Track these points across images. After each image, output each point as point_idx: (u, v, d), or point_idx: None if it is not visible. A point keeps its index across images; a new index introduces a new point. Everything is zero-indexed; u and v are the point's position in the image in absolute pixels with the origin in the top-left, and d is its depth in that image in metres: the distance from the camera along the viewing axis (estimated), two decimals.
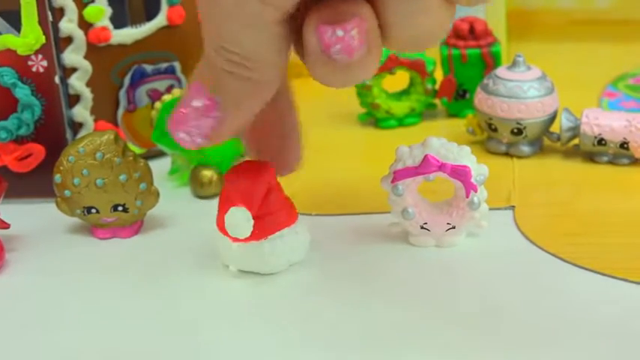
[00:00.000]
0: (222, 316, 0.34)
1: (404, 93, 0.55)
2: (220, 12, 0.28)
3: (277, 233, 0.35)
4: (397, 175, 0.37)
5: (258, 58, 0.29)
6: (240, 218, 0.35)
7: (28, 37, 0.44)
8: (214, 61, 0.29)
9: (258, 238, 0.35)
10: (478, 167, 0.37)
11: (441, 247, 0.39)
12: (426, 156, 0.36)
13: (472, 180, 0.37)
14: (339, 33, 0.27)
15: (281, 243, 0.35)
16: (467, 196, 0.37)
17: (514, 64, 0.48)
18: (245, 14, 0.28)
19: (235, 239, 0.35)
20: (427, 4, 0.27)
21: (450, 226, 0.38)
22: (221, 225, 0.35)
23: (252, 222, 0.34)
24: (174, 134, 0.31)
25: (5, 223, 0.40)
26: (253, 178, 0.35)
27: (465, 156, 0.37)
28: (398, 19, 0.28)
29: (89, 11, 0.47)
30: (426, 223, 0.38)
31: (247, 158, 0.47)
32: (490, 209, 0.39)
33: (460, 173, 0.36)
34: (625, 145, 0.46)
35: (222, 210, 0.36)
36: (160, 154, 0.51)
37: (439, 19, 0.28)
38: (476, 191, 0.37)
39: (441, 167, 0.36)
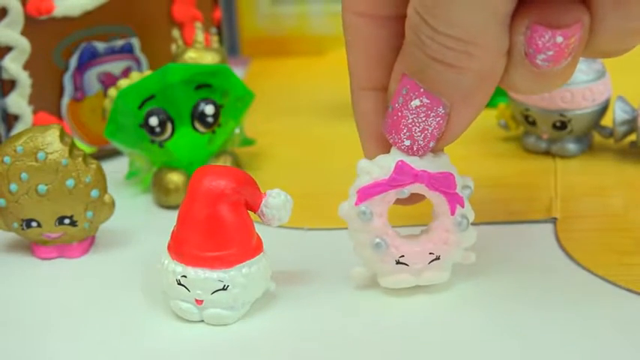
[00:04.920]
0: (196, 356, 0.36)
1: None
2: None
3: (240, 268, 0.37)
4: (363, 194, 0.36)
5: (481, 42, 0.31)
6: (286, 199, 0.37)
7: None
8: (422, 49, 0.32)
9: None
10: (462, 179, 0.37)
11: (426, 287, 0.38)
12: (398, 163, 0.36)
13: (457, 191, 0.36)
14: (559, 39, 0.30)
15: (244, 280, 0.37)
16: (452, 213, 0.37)
17: None
18: None
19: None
20: None
21: (434, 257, 0.37)
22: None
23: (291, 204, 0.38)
24: (396, 142, 0.35)
25: None
26: (242, 174, 0.37)
27: (443, 165, 0.36)
28: (610, 36, 0.31)
29: None
30: (402, 256, 0.37)
31: (222, 160, 0.48)
32: (527, 222, 0.40)
33: (442, 182, 0.36)
34: None
35: (184, 229, 0.37)
36: (115, 154, 0.52)
37: None
38: (462, 205, 0.37)
39: (418, 177, 0.36)
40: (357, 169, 0.36)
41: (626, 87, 0.51)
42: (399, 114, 0.34)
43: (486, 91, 0.33)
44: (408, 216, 0.40)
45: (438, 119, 0.33)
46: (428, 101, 0.33)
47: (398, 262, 0.37)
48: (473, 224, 0.37)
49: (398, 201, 0.37)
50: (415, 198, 0.37)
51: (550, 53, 0.31)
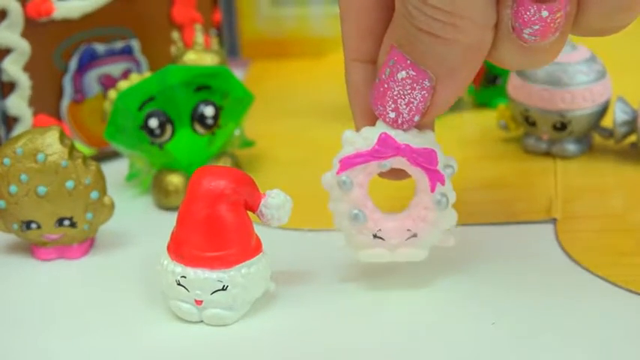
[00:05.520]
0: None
1: None
2: None
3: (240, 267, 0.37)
4: (345, 163, 0.37)
5: (468, 15, 0.31)
6: (285, 200, 0.37)
7: None
8: (410, 21, 0.32)
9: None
10: (446, 158, 0.37)
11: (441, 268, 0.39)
12: (381, 135, 0.36)
13: (439, 168, 0.37)
14: (544, 14, 0.31)
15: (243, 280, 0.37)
16: (432, 190, 0.37)
17: None
18: None
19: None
20: (632, 3, 0.31)
21: (411, 234, 0.38)
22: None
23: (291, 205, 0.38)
24: (381, 114, 0.35)
25: None
26: (241, 174, 0.37)
27: (427, 141, 0.37)
28: (597, 12, 0.31)
29: None
30: (380, 230, 0.37)
31: (222, 162, 0.48)
32: (527, 223, 0.40)
33: (424, 158, 0.36)
34: None
35: (184, 229, 0.37)
36: (115, 156, 0.52)
37: (636, 15, 0.31)
38: (443, 183, 0.37)
39: (400, 150, 0.36)
40: (341, 140, 0.37)
41: (626, 88, 0.51)
42: (386, 85, 0.34)
43: (473, 65, 0.33)
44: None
45: (423, 92, 0.34)
46: (414, 73, 0.34)
47: (375, 236, 0.37)
48: (473, 225, 0.37)
49: (381, 174, 0.37)
50: (398, 173, 0.37)
51: (536, 27, 0.31)
